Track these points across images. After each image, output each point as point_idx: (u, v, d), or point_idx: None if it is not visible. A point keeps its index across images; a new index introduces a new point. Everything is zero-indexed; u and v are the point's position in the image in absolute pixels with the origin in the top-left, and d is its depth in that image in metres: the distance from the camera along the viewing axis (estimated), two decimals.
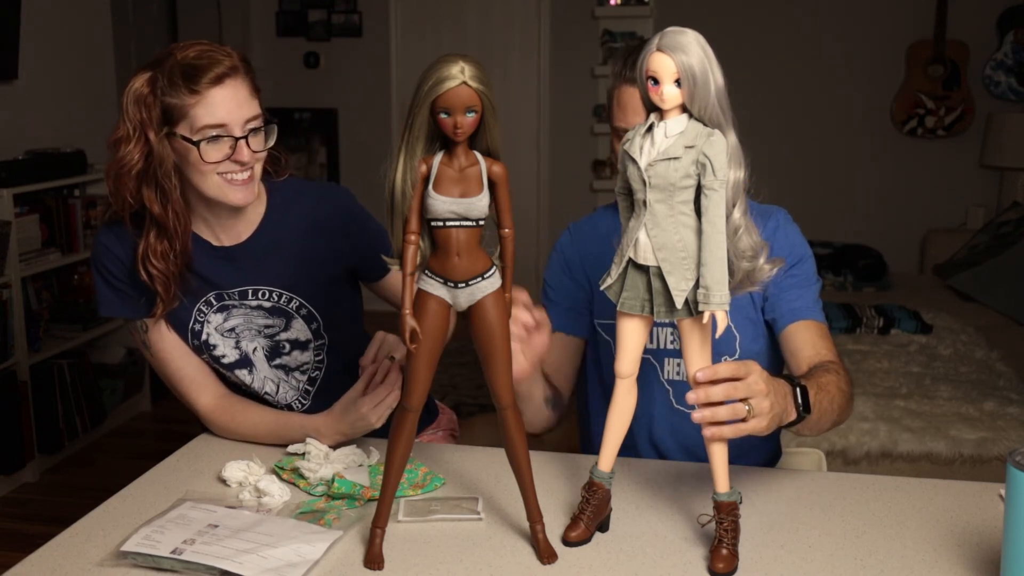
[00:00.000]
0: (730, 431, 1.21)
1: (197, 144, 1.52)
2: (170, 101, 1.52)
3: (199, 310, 1.68)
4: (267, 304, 1.70)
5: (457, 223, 1.18)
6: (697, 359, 1.22)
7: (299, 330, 1.73)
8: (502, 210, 1.21)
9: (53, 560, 1.28)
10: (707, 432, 1.21)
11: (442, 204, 1.17)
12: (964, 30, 5.15)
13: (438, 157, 1.18)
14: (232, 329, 1.71)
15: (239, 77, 1.55)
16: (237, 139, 1.54)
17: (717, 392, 1.20)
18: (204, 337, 1.70)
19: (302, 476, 1.50)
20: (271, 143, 1.60)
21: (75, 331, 3.93)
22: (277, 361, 1.75)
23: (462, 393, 4.44)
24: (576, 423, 2.23)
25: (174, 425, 4.13)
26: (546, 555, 1.26)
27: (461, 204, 1.17)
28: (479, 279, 1.20)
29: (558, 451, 1.65)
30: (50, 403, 3.77)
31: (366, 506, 1.42)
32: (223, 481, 1.50)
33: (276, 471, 1.54)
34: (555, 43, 5.69)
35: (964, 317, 3.95)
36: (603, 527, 1.34)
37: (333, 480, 1.45)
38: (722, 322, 1.15)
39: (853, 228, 5.27)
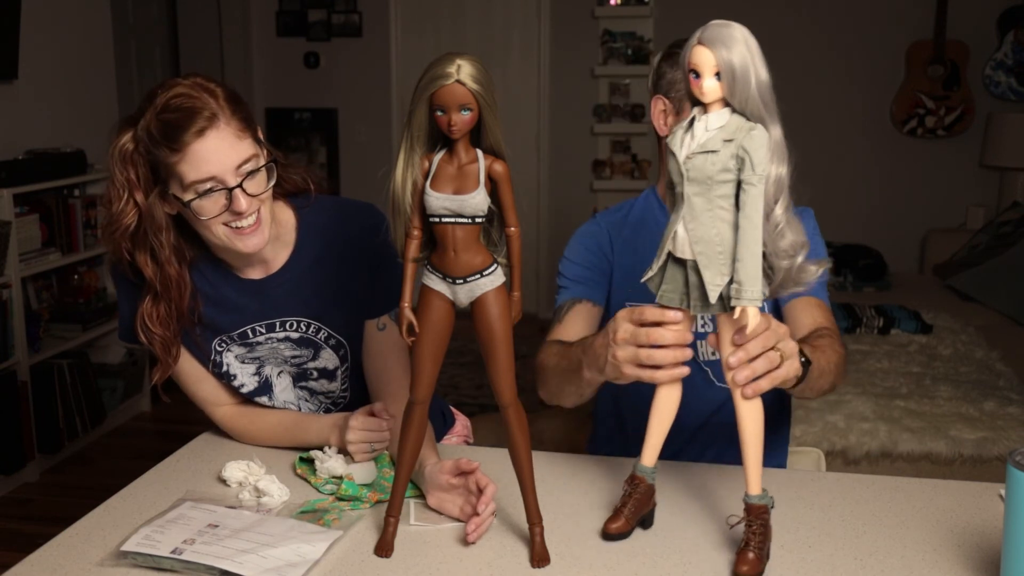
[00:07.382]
0: (767, 383, 1.20)
1: (189, 204, 1.45)
2: (155, 158, 1.46)
3: (222, 341, 1.65)
4: (295, 335, 1.65)
5: (452, 219, 1.19)
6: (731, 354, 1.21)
7: (327, 359, 1.69)
8: (506, 208, 1.20)
9: (53, 560, 1.28)
10: (748, 391, 1.19)
11: (436, 200, 1.18)
12: (964, 30, 5.15)
13: (440, 154, 1.20)
14: (257, 357, 1.68)
15: (222, 122, 1.44)
16: (231, 189, 1.45)
17: (755, 346, 1.19)
18: (224, 368, 1.67)
19: (315, 471, 1.50)
20: (272, 181, 1.52)
21: (75, 331, 3.93)
22: (303, 384, 1.72)
23: (462, 393, 4.42)
24: (576, 421, 2.23)
25: (174, 425, 4.12)
26: (538, 559, 1.24)
27: (454, 201, 1.18)
28: (477, 276, 1.20)
29: (558, 451, 1.65)
30: (50, 403, 3.77)
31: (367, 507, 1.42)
32: (223, 481, 1.50)
33: (295, 464, 1.55)
34: (555, 43, 5.69)
35: (964, 317, 3.95)
36: (646, 523, 1.32)
37: (342, 481, 1.45)
38: (753, 319, 1.14)
39: (853, 228, 5.26)
